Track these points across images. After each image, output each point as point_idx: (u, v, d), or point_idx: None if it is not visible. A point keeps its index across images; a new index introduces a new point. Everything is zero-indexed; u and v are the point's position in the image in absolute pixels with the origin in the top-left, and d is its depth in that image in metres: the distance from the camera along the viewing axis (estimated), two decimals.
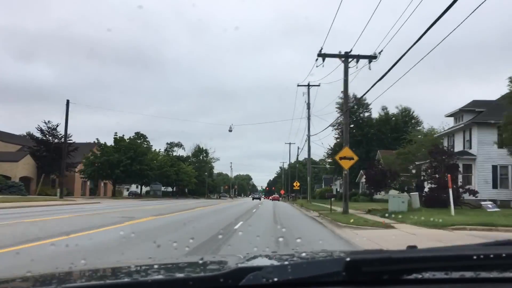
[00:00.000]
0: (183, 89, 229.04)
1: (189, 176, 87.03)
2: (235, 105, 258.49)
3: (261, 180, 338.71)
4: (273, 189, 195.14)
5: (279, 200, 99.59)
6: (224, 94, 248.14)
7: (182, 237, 11.97)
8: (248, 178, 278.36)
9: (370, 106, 73.47)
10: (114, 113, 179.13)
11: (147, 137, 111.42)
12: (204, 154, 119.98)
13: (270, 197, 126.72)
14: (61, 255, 7.87)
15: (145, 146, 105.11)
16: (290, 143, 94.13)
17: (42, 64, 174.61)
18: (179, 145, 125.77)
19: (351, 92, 77.50)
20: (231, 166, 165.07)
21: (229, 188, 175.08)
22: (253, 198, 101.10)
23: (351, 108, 73.97)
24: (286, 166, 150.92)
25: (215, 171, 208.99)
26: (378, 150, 60.05)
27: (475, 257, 1.41)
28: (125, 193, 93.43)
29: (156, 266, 1.80)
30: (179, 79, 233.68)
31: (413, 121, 70.39)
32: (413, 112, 70.38)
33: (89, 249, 9.12)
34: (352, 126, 73.91)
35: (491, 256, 1.43)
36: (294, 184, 66.12)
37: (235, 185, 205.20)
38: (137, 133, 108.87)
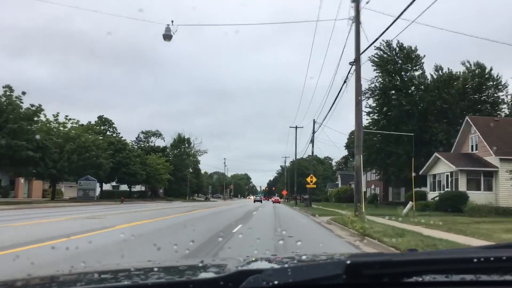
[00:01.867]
0: (181, 89, 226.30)
1: (155, 170, 60.72)
2: (234, 106, 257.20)
3: (260, 181, 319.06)
4: (273, 189, 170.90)
5: (279, 203, 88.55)
6: (224, 94, 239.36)
7: None
8: (246, 178, 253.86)
9: (422, 60, 47.12)
10: (112, 112, 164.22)
11: (113, 123, 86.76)
12: (186, 145, 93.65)
13: (272, 199, 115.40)
14: None
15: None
16: (296, 127, 68.54)
17: (36, 62, 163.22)
18: (157, 134, 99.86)
19: (389, 37, 51.61)
20: (224, 163, 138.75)
21: (223, 188, 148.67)
22: (255, 201, 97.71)
23: (394, 64, 47.65)
24: (288, 165, 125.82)
25: (210, 170, 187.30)
26: (468, 116, 33.57)
27: (475, 260, 1.38)
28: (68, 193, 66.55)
29: (156, 269, 1.80)
30: (177, 79, 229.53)
31: (491, 83, 43.81)
32: (490, 70, 44.06)
33: None
34: (393, 92, 47.64)
35: (492, 259, 1.40)
36: (308, 179, 39.98)
37: (230, 185, 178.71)
38: (100, 117, 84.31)
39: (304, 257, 1.90)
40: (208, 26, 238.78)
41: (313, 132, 42.53)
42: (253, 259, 2.05)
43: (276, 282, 1.33)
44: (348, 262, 1.36)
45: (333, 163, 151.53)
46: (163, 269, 1.87)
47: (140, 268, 1.85)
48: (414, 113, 45.27)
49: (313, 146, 42.32)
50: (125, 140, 55.49)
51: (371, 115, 50.47)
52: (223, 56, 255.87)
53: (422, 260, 1.50)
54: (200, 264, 1.91)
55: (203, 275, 1.73)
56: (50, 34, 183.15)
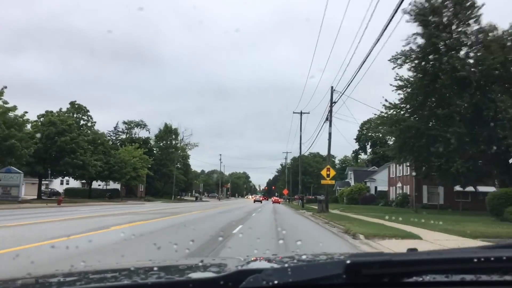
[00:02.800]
0: (180, 87, 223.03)
1: (121, 162, 47.49)
2: (234, 104, 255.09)
3: (260, 180, 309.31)
4: (273, 188, 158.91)
5: (279, 203, 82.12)
6: (223, 93, 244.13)
7: None
8: (245, 176, 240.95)
9: (479, 11, 34.32)
10: (109, 110, 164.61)
11: (88, 110, 74.01)
12: (173, 137, 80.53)
13: (272, 198, 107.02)
14: None
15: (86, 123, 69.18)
16: (301, 112, 55.88)
17: (33, 58, 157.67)
18: (141, 125, 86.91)
19: None
20: (220, 159, 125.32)
21: (219, 187, 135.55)
22: (255, 201, 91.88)
23: (440, 16, 34.72)
24: (289, 161, 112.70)
25: (208, 169, 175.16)
26: None
27: (475, 260, 1.37)
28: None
29: (156, 268, 1.80)
30: (176, 78, 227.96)
31: None
32: None
33: None
34: (435, 56, 35.02)
35: (492, 259, 1.38)
36: (324, 172, 27.00)
37: (227, 183, 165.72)
38: (72, 103, 71.51)
39: (304, 257, 1.89)
40: (208, 25, 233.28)
41: (331, 104, 29.41)
42: (253, 258, 2.02)
43: (276, 282, 1.31)
44: (348, 262, 1.34)
45: (336, 161, 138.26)
46: (163, 269, 1.84)
47: (140, 267, 1.80)
48: (470, 80, 32.08)
49: (330, 125, 29.28)
50: (74, 119, 41.91)
51: (404, 90, 37.05)
52: (222, 54, 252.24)
53: (422, 260, 1.47)
54: (200, 264, 1.88)
55: (203, 275, 1.71)
56: (47, 31, 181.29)
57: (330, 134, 29.40)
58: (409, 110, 36.94)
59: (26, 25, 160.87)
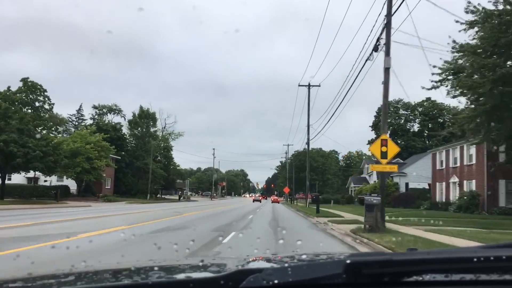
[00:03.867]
0: (178, 85, 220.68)
1: (47, 147, 33.15)
2: (233, 102, 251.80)
3: (258, 179, 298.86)
4: (272, 186, 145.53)
5: (278, 202, 78.64)
6: (222, 91, 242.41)
7: None
8: (242, 174, 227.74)
9: None
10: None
11: (45, 90, 60.31)
12: (151, 123, 66.22)
13: (272, 198, 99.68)
14: None
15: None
16: (309, 85, 42.96)
17: (29, 54, 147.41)
18: (115, 110, 72.71)
19: None
20: (213, 154, 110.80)
21: (212, 185, 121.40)
22: (254, 200, 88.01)
23: None
24: (290, 156, 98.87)
25: (204, 166, 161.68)
26: None
27: (475, 260, 1.37)
28: None
29: (156, 268, 1.81)
30: (174, 75, 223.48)
31: None
32: None
33: None
34: None
35: (491, 258, 1.38)
36: (375, 148, 12.57)
37: (222, 181, 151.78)
38: (24, 80, 57.82)
39: (304, 257, 1.89)
40: (208, 24, 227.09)
41: (390, 11, 14.89)
42: (253, 258, 2.03)
43: (276, 281, 1.32)
44: (348, 261, 1.34)
45: (340, 158, 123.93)
46: (164, 268, 1.86)
47: (140, 267, 1.82)
48: None
49: (388, 53, 14.61)
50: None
51: (484, 24, 22.74)
52: (221, 52, 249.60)
53: (422, 260, 1.46)
54: (201, 264, 1.89)
55: (204, 274, 1.73)
56: (42, 25, 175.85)
57: (387, 69, 15.06)
58: (493, 57, 22.66)
59: (22, 20, 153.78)
